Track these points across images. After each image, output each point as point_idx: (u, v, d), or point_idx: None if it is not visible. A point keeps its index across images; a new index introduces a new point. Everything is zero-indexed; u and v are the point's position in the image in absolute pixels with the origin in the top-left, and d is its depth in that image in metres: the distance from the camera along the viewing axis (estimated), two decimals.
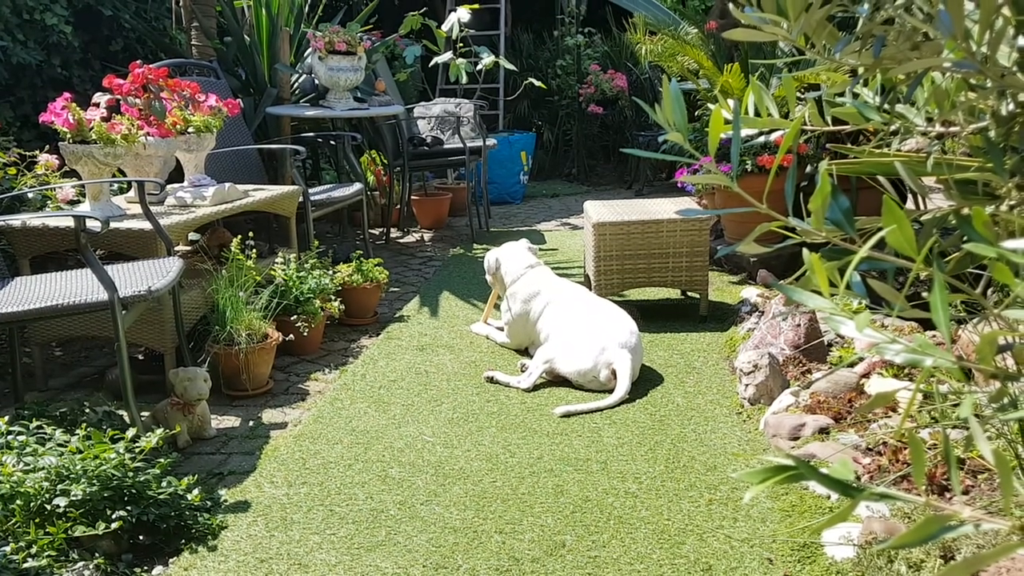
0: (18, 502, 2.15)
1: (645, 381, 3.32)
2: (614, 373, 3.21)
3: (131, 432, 2.38)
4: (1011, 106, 1.13)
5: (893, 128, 1.29)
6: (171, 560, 2.21)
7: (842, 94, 1.38)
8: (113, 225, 3.11)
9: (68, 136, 3.20)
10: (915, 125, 1.26)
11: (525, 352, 3.71)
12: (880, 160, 1.53)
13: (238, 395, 3.30)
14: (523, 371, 3.41)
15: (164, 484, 2.32)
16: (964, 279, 1.13)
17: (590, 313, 3.47)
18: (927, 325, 3.13)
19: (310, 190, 4.66)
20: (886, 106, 1.29)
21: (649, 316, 4.14)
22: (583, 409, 3.05)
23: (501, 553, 2.18)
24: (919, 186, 1.25)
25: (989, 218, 0.92)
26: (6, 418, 2.45)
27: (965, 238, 0.94)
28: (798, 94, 1.38)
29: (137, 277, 2.85)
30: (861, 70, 1.17)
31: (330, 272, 3.97)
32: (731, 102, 1.26)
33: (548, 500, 2.45)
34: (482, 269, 5.13)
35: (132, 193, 3.75)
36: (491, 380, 3.36)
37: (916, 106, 1.27)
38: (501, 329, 3.85)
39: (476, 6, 6.32)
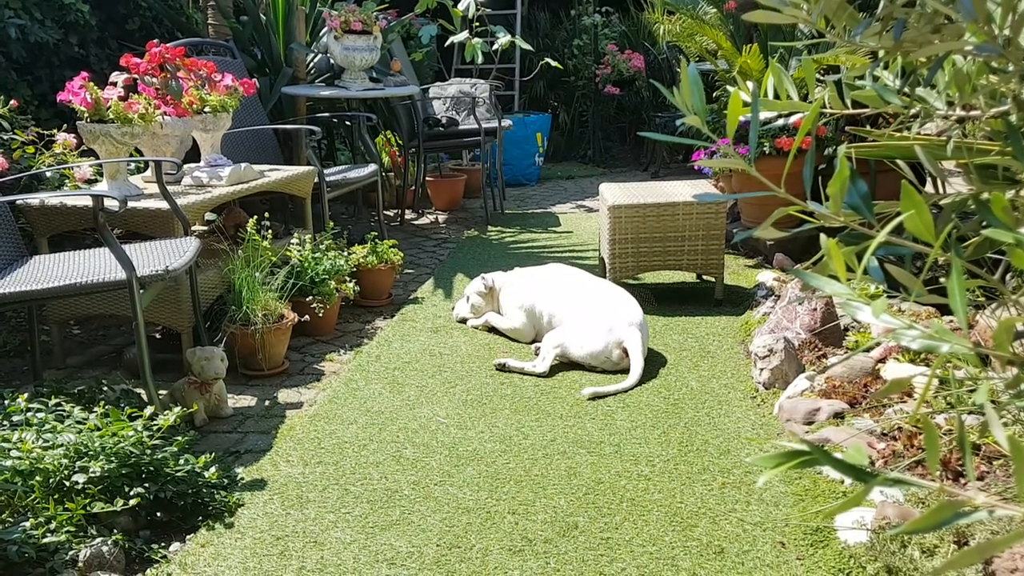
0: (37, 478, 2.18)
1: (659, 364, 3.32)
2: (625, 352, 3.22)
3: (149, 410, 2.41)
4: None
5: (913, 112, 1.28)
6: (188, 537, 2.23)
7: (862, 77, 1.37)
8: (131, 204, 3.13)
9: (85, 115, 3.21)
10: (935, 109, 1.25)
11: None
12: (900, 144, 1.51)
13: (254, 375, 3.33)
14: (536, 355, 3.41)
15: (181, 462, 2.34)
16: (982, 264, 1.12)
17: (592, 294, 3.48)
18: (944, 310, 3.10)
19: (325, 171, 4.66)
20: (906, 89, 1.28)
21: (664, 300, 4.14)
22: (610, 391, 3.05)
23: (514, 534, 2.20)
24: (938, 170, 1.24)
25: (1009, 203, 0.91)
26: (25, 395, 2.48)
27: (984, 223, 0.93)
28: (818, 76, 1.37)
29: (154, 256, 2.87)
30: (881, 53, 1.16)
31: (345, 253, 3.98)
32: (750, 84, 1.25)
33: (561, 482, 2.46)
34: (496, 252, 5.15)
35: (149, 173, 3.76)
36: (503, 368, 3.32)
37: (936, 89, 1.25)
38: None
39: None
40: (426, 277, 4.67)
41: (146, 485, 2.24)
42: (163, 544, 2.20)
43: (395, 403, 3.04)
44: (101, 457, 2.22)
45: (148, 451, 2.29)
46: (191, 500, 2.30)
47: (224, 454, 2.69)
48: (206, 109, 3.68)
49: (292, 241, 3.77)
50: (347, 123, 6.14)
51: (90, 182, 3.59)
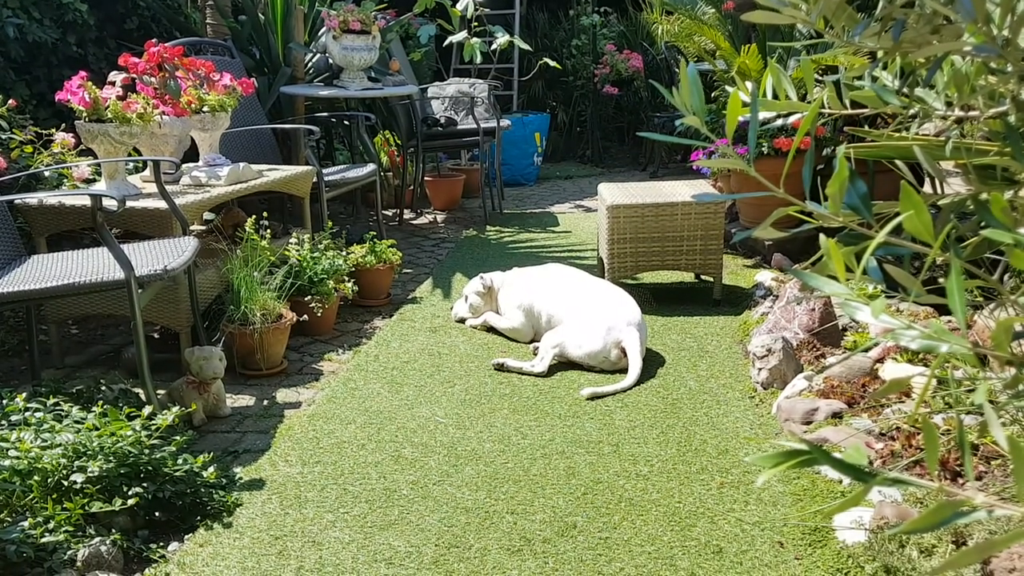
0: (36, 478, 2.18)
1: (658, 364, 3.32)
2: (623, 352, 3.22)
3: (147, 410, 2.41)
4: None
5: (912, 112, 1.28)
6: (187, 536, 2.23)
7: (860, 77, 1.37)
8: (129, 204, 3.12)
9: (84, 115, 3.21)
10: (934, 109, 1.25)
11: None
12: (898, 144, 1.52)
13: (253, 374, 3.33)
14: (535, 354, 3.40)
15: (180, 461, 2.34)
16: (981, 265, 1.12)
17: (591, 294, 3.48)
18: (943, 311, 3.11)
19: (324, 170, 4.66)
20: (905, 90, 1.28)
21: (662, 299, 4.14)
22: (608, 391, 3.05)
23: (512, 533, 2.20)
24: (937, 170, 1.24)
25: (1007, 204, 0.91)
26: (23, 395, 2.48)
27: (983, 223, 0.94)
28: (816, 77, 1.37)
29: (153, 256, 2.87)
30: (880, 53, 1.16)
31: (344, 253, 3.98)
32: (749, 84, 1.25)
33: (559, 482, 2.46)
34: (494, 251, 5.15)
35: (147, 172, 3.76)
36: (501, 367, 3.32)
37: (935, 90, 1.25)
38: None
39: None
40: (424, 277, 4.67)
41: (144, 485, 2.23)
42: (161, 544, 2.20)
43: (393, 403, 3.04)
44: (99, 457, 2.22)
45: (146, 451, 2.29)
46: (189, 500, 2.30)
47: (222, 454, 2.69)
48: (204, 109, 3.67)
49: (291, 241, 3.77)
50: (346, 123, 6.14)
51: (88, 181, 3.58)
